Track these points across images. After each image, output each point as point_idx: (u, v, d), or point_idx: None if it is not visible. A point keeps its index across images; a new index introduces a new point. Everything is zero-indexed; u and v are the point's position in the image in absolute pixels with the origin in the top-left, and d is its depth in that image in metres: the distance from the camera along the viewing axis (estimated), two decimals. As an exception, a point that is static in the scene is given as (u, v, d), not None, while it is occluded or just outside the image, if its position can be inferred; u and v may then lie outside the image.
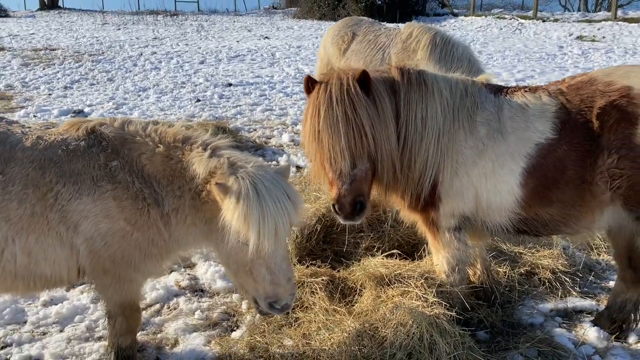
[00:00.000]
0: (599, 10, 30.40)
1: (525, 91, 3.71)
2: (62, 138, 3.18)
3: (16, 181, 2.98)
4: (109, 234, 3.10)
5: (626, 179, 3.32)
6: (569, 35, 21.35)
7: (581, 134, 3.44)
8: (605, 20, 24.07)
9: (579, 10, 32.01)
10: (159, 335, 3.95)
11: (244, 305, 4.23)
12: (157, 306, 4.34)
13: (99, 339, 3.89)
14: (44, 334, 3.99)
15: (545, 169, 3.50)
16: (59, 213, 3.03)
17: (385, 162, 3.54)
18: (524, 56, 16.35)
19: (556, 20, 25.45)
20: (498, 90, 3.81)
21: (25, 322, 4.11)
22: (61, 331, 4.00)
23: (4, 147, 3.05)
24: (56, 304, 4.30)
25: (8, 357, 3.69)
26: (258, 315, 3.57)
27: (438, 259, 3.96)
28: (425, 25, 7.15)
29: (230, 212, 2.85)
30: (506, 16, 27.04)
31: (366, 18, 8.15)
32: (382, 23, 8.36)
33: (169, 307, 4.34)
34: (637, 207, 3.38)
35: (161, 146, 3.18)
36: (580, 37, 20.80)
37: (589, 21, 24.40)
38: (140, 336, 3.89)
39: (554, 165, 3.48)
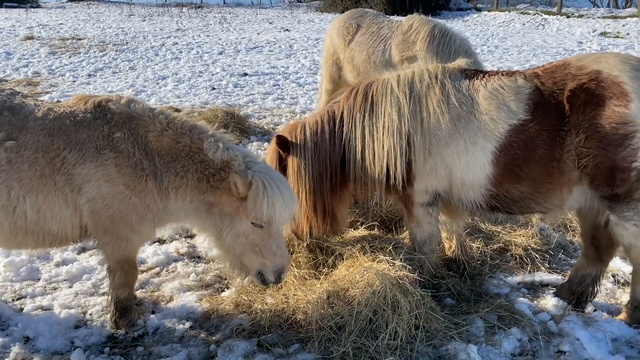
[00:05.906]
0: (629, 7, 29.74)
1: (503, 75, 3.95)
2: (70, 110, 3.61)
3: (28, 146, 3.41)
4: (109, 197, 3.52)
5: (592, 158, 3.53)
6: (593, 32, 21.11)
7: (552, 115, 3.66)
8: (630, 16, 23.69)
9: (607, 6, 31.40)
10: (156, 293, 4.38)
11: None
12: (157, 269, 4.77)
13: (103, 294, 4.33)
14: (55, 289, 4.45)
15: (517, 148, 3.73)
16: (64, 176, 3.46)
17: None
18: (541, 51, 16.34)
19: (581, 16, 25.12)
20: (474, 75, 4.08)
21: (39, 279, 4.58)
22: (70, 287, 4.46)
23: (18, 117, 3.49)
24: (67, 265, 4.77)
25: (22, 306, 4.16)
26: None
27: (411, 231, 4.29)
28: (426, 17, 7.40)
29: (260, 200, 3.40)
30: (530, 11, 26.83)
31: (371, 10, 8.43)
32: (387, 16, 8.63)
33: (167, 270, 4.77)
34: (602, 185, 3.57)
35: (169, 130, 3.62)
36: (604, 34, 20.52)
37: (615, 17, 24.02)
38: (139, 293, 4.33)
39: (525, 144, 3.71)
